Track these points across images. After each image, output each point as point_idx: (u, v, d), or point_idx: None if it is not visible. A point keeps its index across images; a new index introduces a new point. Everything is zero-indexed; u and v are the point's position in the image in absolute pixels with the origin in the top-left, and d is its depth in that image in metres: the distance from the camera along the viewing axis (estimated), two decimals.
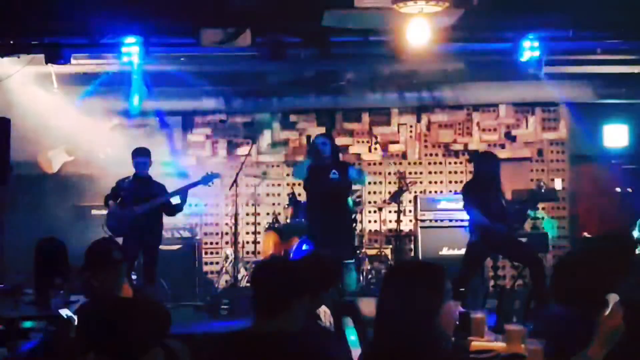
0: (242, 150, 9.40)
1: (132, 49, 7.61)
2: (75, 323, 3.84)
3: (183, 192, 7.43)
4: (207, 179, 7.60)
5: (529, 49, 7.68)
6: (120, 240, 6.48)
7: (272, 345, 2.68)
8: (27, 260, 5.10)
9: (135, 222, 7.13)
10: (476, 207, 7.02)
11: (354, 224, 8.18)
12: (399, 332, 2.40)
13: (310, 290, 3.18)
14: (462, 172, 9.74)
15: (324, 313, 3.77)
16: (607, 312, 2.39)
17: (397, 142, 9.69)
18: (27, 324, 4.16)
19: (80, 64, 8.30)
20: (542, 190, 8.48)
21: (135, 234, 7.11)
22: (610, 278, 2.63)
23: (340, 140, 9.15)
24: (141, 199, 7.22)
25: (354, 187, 8.06)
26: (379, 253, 8.75)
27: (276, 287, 2.81)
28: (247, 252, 9.27)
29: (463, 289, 7.30)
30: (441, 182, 9.76)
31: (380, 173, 9.68)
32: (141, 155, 7.35)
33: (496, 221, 6.88)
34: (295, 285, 2.84)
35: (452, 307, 2.47)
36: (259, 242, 8.92)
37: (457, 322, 3.19)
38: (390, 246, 9.08)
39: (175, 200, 7.45)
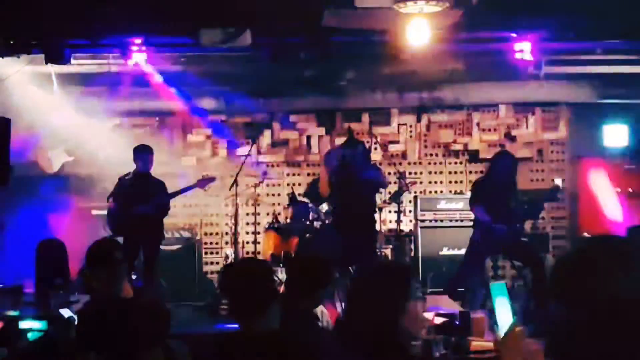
0: (242, 150, 9.39)
1: (132, 49, 7.62)
2: (75, 323, 3.84)
3: (178, 195, 7.56)
4: (203, 183, 7.64)
5: (529, 50, 7.66)
6: (120, 239, 6.49)
7: (266, 344, 2.68)
8: (27, 260, 5.10)
9: (136, 221, 7.13)
10: (480, 204, 7.04)
11: None
12: (363, 333, 2.39)
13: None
14: (462, 172, 9.73)
15: (322, 313, 3.77)
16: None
17: (397, 142, 9.68)
18: (27, 324, 4.16)
19: (80, 64, 8.30)
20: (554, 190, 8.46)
21: (135, 234, 7.11)
22: (609, 277, 2.63)
23: (340, 140, 9.14)
24: (140, 197, 7.22)
25: None
26: (379, 253, 8.74)
27: (253, 293, 2.83)
28: (247, 252, 9.26)
29: (463, 289, 7.31)
30: (441, 182, 9.75)
31: None
32: (143, 153, 7.37)
33: (500, 221, 6.88)
34: (270, 290, 2.87)
35: (419, 306, 2.45)
36: (259, 242, 8.91)
37: (427, 322, 3.17)
38: (390, 246, 9.07)
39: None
